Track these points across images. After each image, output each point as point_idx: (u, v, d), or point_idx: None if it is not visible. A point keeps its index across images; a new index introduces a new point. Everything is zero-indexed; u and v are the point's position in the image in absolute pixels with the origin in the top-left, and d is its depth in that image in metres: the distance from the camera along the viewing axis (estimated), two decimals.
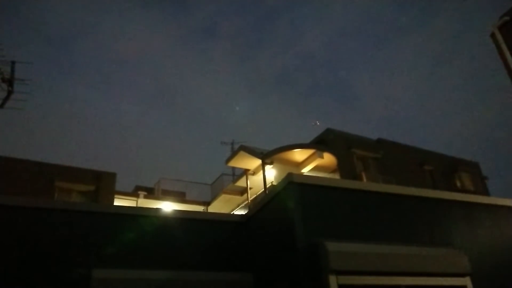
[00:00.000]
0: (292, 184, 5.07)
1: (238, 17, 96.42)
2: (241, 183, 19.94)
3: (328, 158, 17.06)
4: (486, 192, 21.30)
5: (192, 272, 5.45)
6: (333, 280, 4.40)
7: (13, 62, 5.78)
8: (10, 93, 5.71)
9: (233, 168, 23.28)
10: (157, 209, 6.94)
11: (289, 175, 5.17)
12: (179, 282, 5.33)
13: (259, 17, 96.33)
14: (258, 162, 17.57)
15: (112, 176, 19.49)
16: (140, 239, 5.52)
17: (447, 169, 21.18)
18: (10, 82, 5.68)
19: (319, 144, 18.13)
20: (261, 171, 17.24)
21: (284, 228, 5.06)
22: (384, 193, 5.69)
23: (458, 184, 20.74)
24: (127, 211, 6.04)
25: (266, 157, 17.03)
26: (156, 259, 5.47)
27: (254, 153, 17.72)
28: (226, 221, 6.44)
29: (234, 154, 18.94)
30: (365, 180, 17.11)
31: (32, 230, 5.12)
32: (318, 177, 13.08)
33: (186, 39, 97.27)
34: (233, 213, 21.13)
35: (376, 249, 4.83)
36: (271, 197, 5.55)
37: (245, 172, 19.08)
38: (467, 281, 5.15)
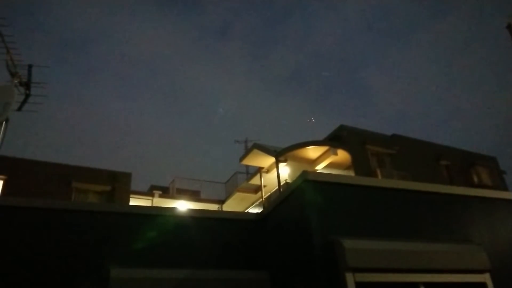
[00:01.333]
0: (307, 182, 5.06)
1: (251, 16, 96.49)
2: (255, 181, 19.96)
3: (342, 155, 16.98)
4: (504, 187, 20.93)
5: (208, 271, 5.48)
6: (350, 277, 4.38)
7: (30, 66, 5.89)
8: (27, 96, 5.82)
9: (247, 166, 23.33)
10: (174, 209, 7.00)
11: (304, 173, 5.16)
12: (196, 281, 5.36)
13: (271, 16, 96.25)
14: (272, 160, 17.56)
15: (127, 176, 19.70)
16: (157, 239, 5.57)
17: (463, 164, 20.87)
18: (27, 85, 5.79)
19: (333, 141, 18.04)
20: (275, 169, 17.23)
21: (299, 226, 5.05)
22: (400, 190, 5.64)
23: (476, 179, 20.43)
24: (144, 211, 6.10)
25: (280, 154, 17.01)
26: (173, 258, 5.52)
27: (267, 151, 17.72)
28: (242, 220, 6.46)
29: (247, 152, 18.97)
30: (380, 176, 16.97)
31: (52, 232, 5.21)
32: (333, 174, 13.03)
33: (200, 39, 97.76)
34: (248, 211, 21.18)
35: (394, 246, 4.79)
36: (287, 195, 5.55)
37: (259, 170, 19.09)
38: (486, 277, 5.07)
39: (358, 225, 5.00)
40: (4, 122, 5.28)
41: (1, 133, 5.26)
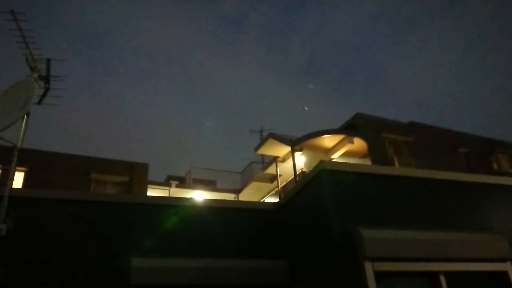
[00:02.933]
0: (325, 171, 5.05)
1: (266, 7, 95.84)
2: (270, 170, 19.95)
3: (358, 143, 16.82)
4: None
5: (227, 260, 5.54)
6: (369, 266, 4.38)
7: (48, 60, 5.96)
8: (47, 90, 5.90)
9: (263, 156, 23.34)
10: (192, 199, 7.07)
11: (321, 162, 5.15)
12: (214, 270, 5.43)
13: (287, 6, 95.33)
14: (288, 149, 17.51)
15: (145, 167, 19.93)
16: (176, 229, 5.64)
17: (483, 151, 20.49)
18: (46, 79, 5.87)
19: (349, 129, 17.89)
20: (291, 158, 17.19)
21: (317, 215, 5.06)
22: (419, 178, 5.59)
23: (495, 166, 20.06)
24: (163, 201, 6.19)
25: (296, 143, 16.94)
26: (191, 248, 5.59)
27: (283, 140, 17.67)
28: (259, 209, 6.49)
29: (263, 141, 18.93)
30: (397, 164, 16.81)
31: (74, 222, 5.33)
32: (350, 163, 12.97)
33: (215, 30, 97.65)
34: (265, 201, 21.25)
35: (412, 235, 4.77)
36: (304, 185, 5.55)
37: (274, 160, 19.08)
38: (507, 266, 5.01)
39: (376, 215, 4.98)
40: (25, 115, 5.37)
41: (23, 126, 5.36)
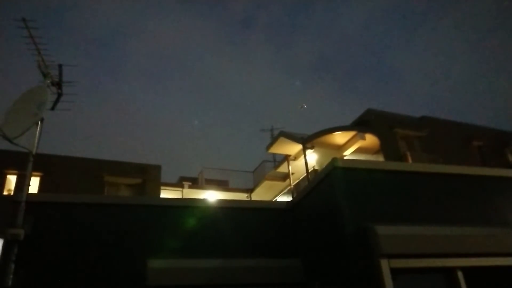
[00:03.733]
0: (337, 169, 5.03)
1: (273, 6, 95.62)
2: (282, 168, 19.94)
3: (370, 139, 16.72)
4: None
5: (241, 260, 5.56)
6: (385, 264, 4.35)
7: (60, 66, 6.04)
8: (59, 95, 5.97)
9: (274, 155, 23.33)
10: (206, 200, 7.11)
11: (334, 160, 5.13)
12: (230, 270, 5.45)
13: (294, 5, 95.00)
14: (299, 147, 17.48)
15: (157, 169, 20.06)
16: (191, 230, 5.68)
17: (497, 144, 20.18)
18: (59, 84, 5.94)
19: (360, 125, 17.78)
20: (302, 156, 17.16)
21: (331, 213, 5.04)
22: (432, 173, 5.54)
23: (511, 159, 19.76)
24: (178, 203, 6.25)
25: (307, 141, 16.91)
26: (206, 248, 5.62)
27: (294, 138, 17.64)
28: (272, 209, 6.50)
29: (274, 140, 18.93)
30: (410, 160, 16.66)
31: (90, 225, 5.39)
32: (363, 160, 12.89)
33: (224, 32, 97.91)
34: (278, 200, 21.24)
35: (428, 231, 4.73)
36: (316, 183, 5.54)
37: (286, 158, 19.06)
38: None
39: (390, 211, 4.94)
40: (39, 121, 5.44)
41: (37, 132, 5.44)
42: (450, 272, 4.61)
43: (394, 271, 4.35)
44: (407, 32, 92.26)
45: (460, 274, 4.58)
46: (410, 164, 11.46)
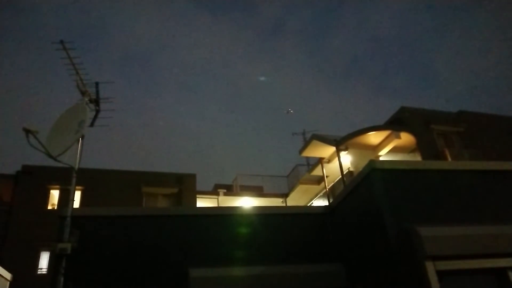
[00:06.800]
0: (375, 170, 4.95)
1: (303, 11, 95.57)
2: (316, 172, 19.80)
3: (405, 138, 16.35)
4: None
5: (282, 266, 5.54)
6: (430, 266, 4.23)
7: (96, 83, 6.27)
8: (97, 112, 6.19)
9: (307, 158, 23.20)
10: (242, 207, 7.14)
11: (371, 162, 5.05)
12: (270, 277, 5.44)
13: (323, 8, 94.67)
14: (332, 149, 17.33)
15: (192, 177, 20.40)
16: (229, 237, 5.72)
17: None
18: (96, 102, 6.15)
19: (395, 124, 17.43)
20: (336, 158, 16.98)
21: (371, 216, 4.96)
22: (474, 171, 5.35)
23: None
24: (215, 211, 6.31)
25: (340, 143, 16.73)
26: (246, 256, 5.63)
27: (327, 140, 17.50)
28: (310, 213, 6.46)
29: (307, 143, 18.86)
30: (449, 157, 16.16)
31: (132, 237, 5.52)
32: (400, 161, 12.61)
33: (255, 40, 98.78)
34: (314, 204, 21.08)
35: (474, 231, 4.56)
36: (354, 186, 5.46)
37: (319, 161, 18.92)
38: None
39: (432, 212, 4.81)
40: (80, 138, 5.65)
41: (79, 148, 5.64)
42: (500, 273, 4.43)
43: (440, 274, 4.22)
44: (440, 27, 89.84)
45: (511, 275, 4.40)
46: (450, 162, 11.13)
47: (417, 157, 16.32)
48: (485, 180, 5.25)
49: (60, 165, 5.57)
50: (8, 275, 10.52)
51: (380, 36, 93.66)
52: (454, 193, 5.03)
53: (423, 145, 16.67)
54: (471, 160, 14.81)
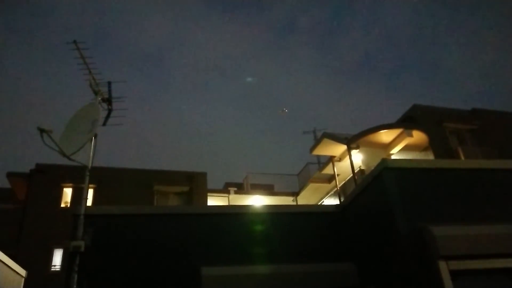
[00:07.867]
0: (388, 169, 4.93)
1: (315, 9, 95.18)
2: (327, 170, 19.73)
3: (417, 136, 16.19)
4: None
5: (294, 265, 5.53)
6: (443, 266, 4.20)
7: (109, 83, 6.32)
8: (110, 111, 6.24)
9: (318, 156, 23.14)
10: (254, 206, 7.15)
11: (383, 160, 5.02)
12: (282, 276, 5.44)
13: (335, 6, 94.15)
14: (343, 147, 17.23)
15: (203, 176, 20.46)
16: (241, 236, 5.73)
17: None
18: (109, 101, 6.20)
19: (407, 122, 17.28)
20: (347, 157, 16.89)
21: (384, 215, 4.93)
22: (488, 170, 5.29)
23: None
24: (227, 210, 6.34)
25: (351, 141, 16.63)
26: (257, 255, 5.64)
27: (338, 139, 17.41)
28: (322, 212, 6.44)
29: (318, 142, 18.78)
30: (462, 155, 15.97)
31: (145, 235, 5.56)
32: (413, 160, 12.50)
33: (266, 38, 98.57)
34: (325, 203, 21.01)
35: (488, 230, 4.50)
36: (366, 185, 5.44)
37: (330, 159, 18.84)
38: None
39: (444, 211, 4.77)
40: (93, 137, 5.70)
41: (92, 147, 5.70)
42: None
43: (454, 273, 4.18)
44: (452, 24, 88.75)
45: None
46: (463, 161, 11.00)
47: (430, 156, 16.16)
48: (498, 179, 5.19)
49: (73, 163, 5.62)
50: (23, 272, 10.71)
51: (392, 33, 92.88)
52: (467, 192, 4.98)
53: (436, 144, 16.50)
54: (484, 159, 14.63)
